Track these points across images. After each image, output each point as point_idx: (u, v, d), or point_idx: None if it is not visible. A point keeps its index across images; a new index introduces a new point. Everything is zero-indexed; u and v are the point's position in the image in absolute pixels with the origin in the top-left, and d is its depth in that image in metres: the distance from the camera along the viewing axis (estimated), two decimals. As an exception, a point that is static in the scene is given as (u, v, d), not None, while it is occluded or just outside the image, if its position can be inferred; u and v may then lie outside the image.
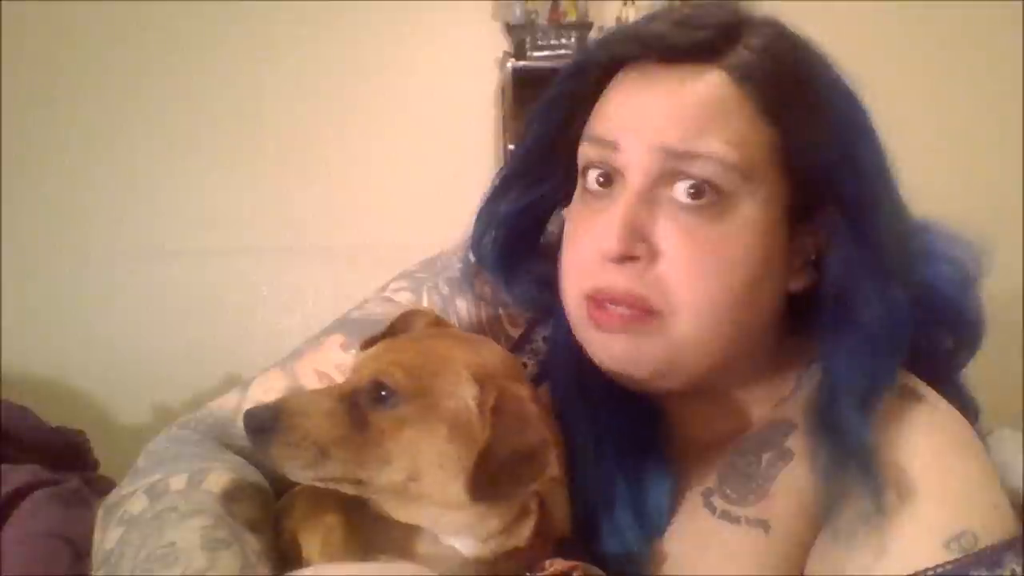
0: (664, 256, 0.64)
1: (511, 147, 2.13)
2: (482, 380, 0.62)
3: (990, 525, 0.60)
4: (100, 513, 0.69)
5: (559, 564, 0.61)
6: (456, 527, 0.63)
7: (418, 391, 0.61)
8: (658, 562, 0.69)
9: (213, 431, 0.75)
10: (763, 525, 0.67)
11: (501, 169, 0.79)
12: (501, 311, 0.81)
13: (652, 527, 0.69)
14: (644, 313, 0.64)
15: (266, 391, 0.75)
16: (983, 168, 2.26)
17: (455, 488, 0.60)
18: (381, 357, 0.65)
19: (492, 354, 0.68)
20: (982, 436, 0.70)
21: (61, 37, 2.16)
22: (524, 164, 0.77)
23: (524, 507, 0.64)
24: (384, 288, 0.83)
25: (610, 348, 0.67)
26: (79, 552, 1.25)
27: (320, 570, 0.63)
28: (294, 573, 0.61)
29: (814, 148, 0.64)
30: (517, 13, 2.19)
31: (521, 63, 2.16)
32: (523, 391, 0.64)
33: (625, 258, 0.64)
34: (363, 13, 2.22)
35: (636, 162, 0.64)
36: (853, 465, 0.62)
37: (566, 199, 0.72)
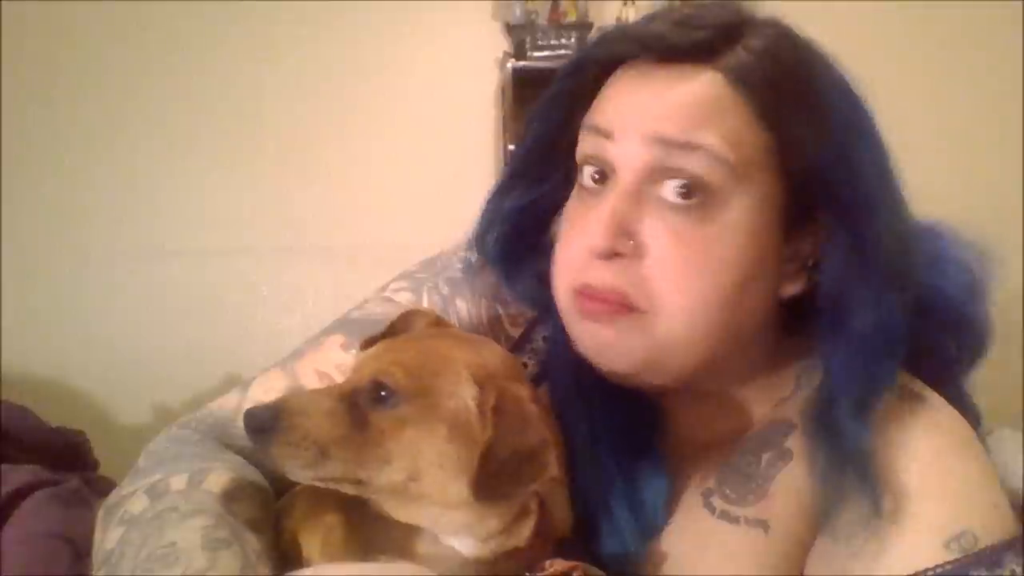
0: (650, 255, 0.64)
1: (511, 147, 2.13)
2: (482, 380, 0.62)
3: (990, 525, 0.60)
4: (101, 513, 0.69)
5: (559, 564, 0.61)
6: (456, 527, 0.63)
7: (418, 391, 0.62)
8: (658, 562, 0.69)
9: (213, 431, 0.75)
10: (762, 525, 0.67)
11: (506, 166, 0.79)
12: (501, 311, 0.81)
13: (649, 525, 0.69)
14: (625, 308, 0.64)
15: (266, 391, 0.75)
16: (983, 168, 2.26)
17: (455, 488, 0.60)
18: (381, 357, 0.65)
19: (492, 354, 0.68)
20: (982, 437, 0.70)
21: (61, 37, 2.16)
22: (525, 163, 0.77)
23: (524, 507, 0.64)
24: (384, 288, 0.83)
25: (595, 337, 0.67)
26: (79, 552, 1.25)
27: (320, 570, 0.63)
28: (294, 573, 0.61)
29: (811, 153, 0.64)
30: (517, 13, 2.19)
31: (521, 63, 2.16)
32: (523, 391, 0.64)
33: (610, 254, 0.64)
34: (363, 13, 2.22)
35: (629, 155, 0.64)
36: (850, 470, 0.62)
37: (568, 199, 0.72)
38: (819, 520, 0.65)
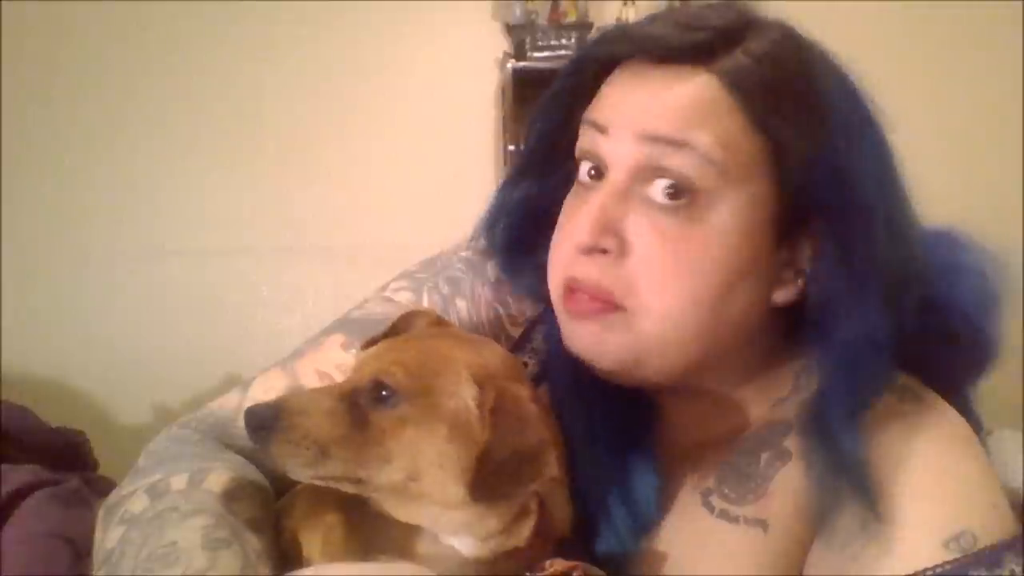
0: (634, 253, 0.64)
1: (511, 147, 2.13)
2: (482, 380, 0.62)
3: (989, 525, 0.60)
4: (101, 513, 0.69)
5: (559, 564, 0.61)
6: (456, 527, 0.63)
7: (419, 391, 0.62)
8: (657, 561, 0.69)
9: (214, 431, 0.75)
10: (761, 524, 0.67)
11: (512, 163, 0.79)
12: (501, 311, 0.81)
13: (643, 521, 0.69)
14: (610, 306, 0.65)
15: (267, 391, 0.75)
16: (983, 168, 2.26)
17: (455, 488, 0.60)
18: (382, 356, 0.65)
19: (493, 354, 0.68)
20: (982, 439, 0.69)
21: (61, 37, 2.16)
22: (529, 160, 0.78)
23: (524, 507, 0.64)
24: (384, 288, 0.83)
25: (579, 334, 0.67)
26: (79, 552, 1.25)
27: (320, 570, 0.63)
28: (294, 573, 0.62)
29: (805, 161, 0.63)
30: (517, 13, 2.19)
31: (521, 63, 2.16)
32: (523, 391, 0.64)
33: (594, 250, 0.64)
34: (363, 13, 2.22)
35: (621, 152, 0.64)
36: (845, 475, 0.63)
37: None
38: (817, 520, 0.65)
